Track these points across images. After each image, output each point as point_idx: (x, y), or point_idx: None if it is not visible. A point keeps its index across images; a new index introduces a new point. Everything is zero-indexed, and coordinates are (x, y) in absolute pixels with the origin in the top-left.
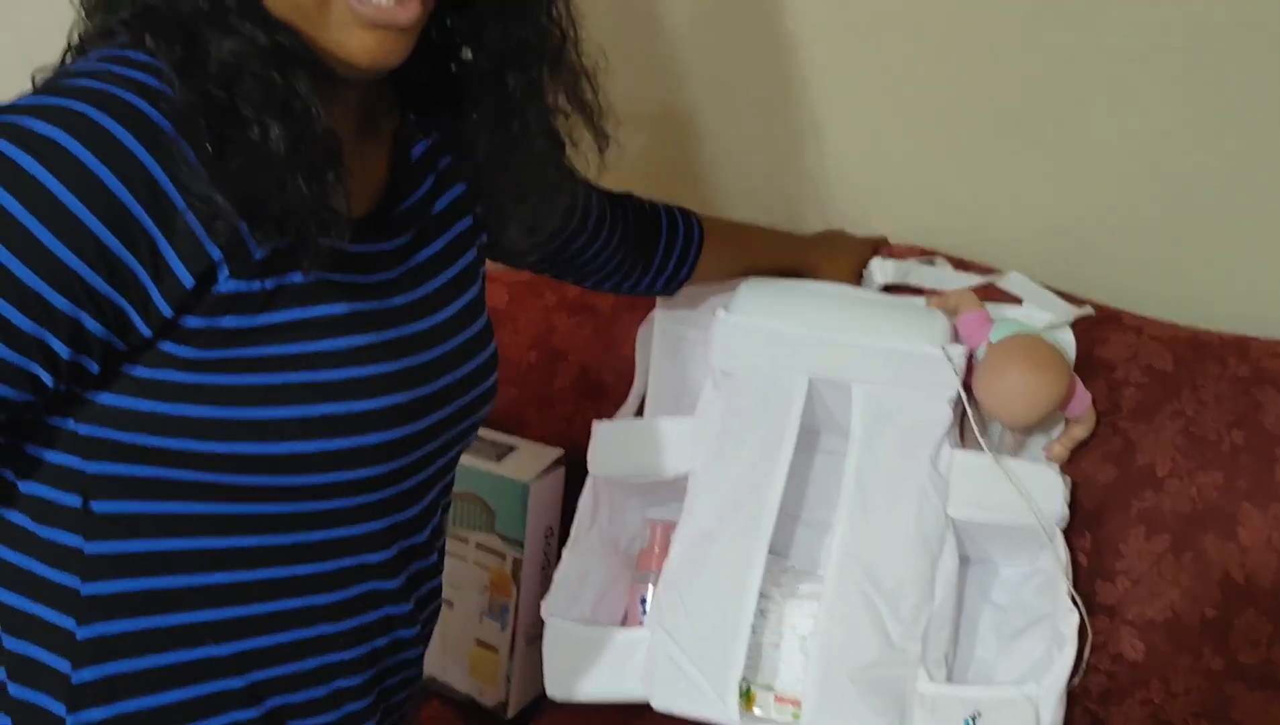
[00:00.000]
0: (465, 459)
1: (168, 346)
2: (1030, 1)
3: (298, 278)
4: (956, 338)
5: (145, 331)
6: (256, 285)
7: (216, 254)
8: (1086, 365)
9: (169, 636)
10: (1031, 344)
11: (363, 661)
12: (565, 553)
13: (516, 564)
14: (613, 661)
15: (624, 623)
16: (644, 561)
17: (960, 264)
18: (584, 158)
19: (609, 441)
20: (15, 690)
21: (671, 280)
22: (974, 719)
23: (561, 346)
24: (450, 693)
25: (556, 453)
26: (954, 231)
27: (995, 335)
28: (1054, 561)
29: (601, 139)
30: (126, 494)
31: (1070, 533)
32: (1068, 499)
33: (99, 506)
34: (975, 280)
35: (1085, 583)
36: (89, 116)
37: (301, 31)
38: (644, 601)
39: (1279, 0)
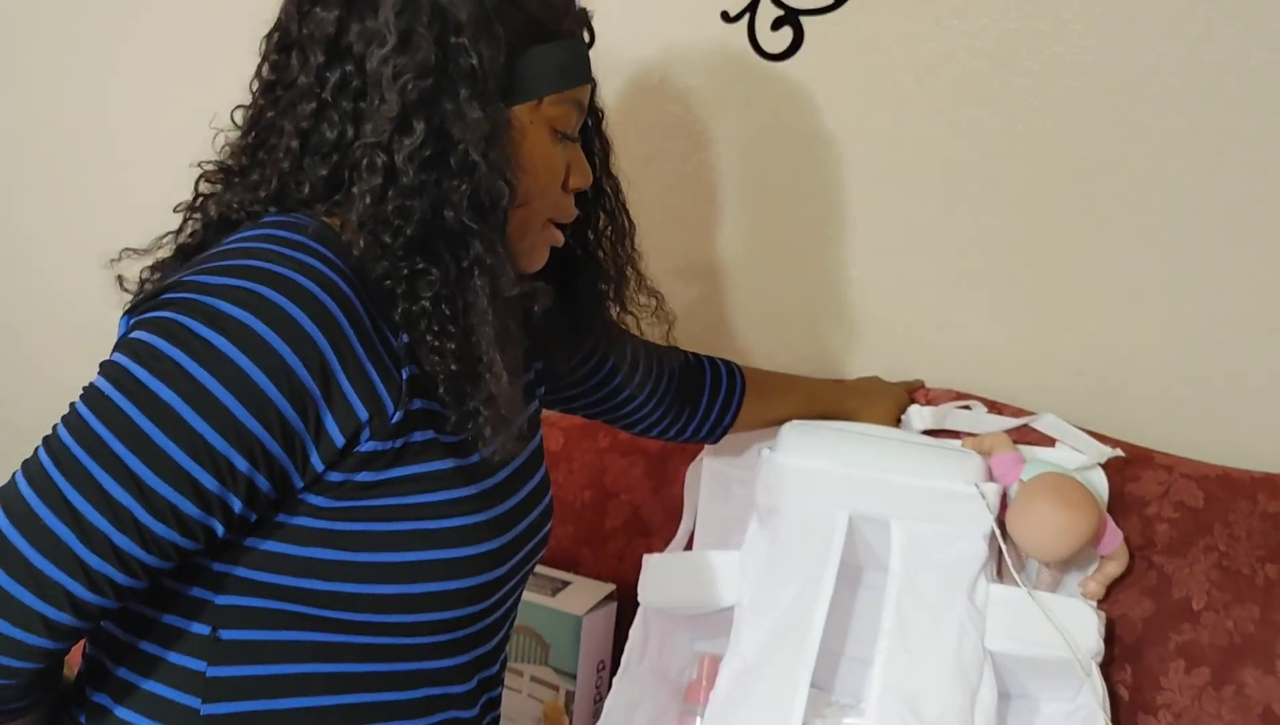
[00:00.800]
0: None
1: (309, 497)
2: (1054, 155)
3: (417, 437)
4: (991, 477)
5: (299, 484)
6: (389, 444)
7: (364, 416)
8: (1119, 502)
9: None
10: (1061, 482)
11: None
12: (615, 682)
13: (569, 696)
14: None
15: None
16: (692, 694)
17: (994, 407)
18: (633, 314)
19: (659, 573)
20: None
21: (715, 427)
22: None
23: (613, 487)
24: None
25: (609, 588)
26: (988, 375)
27: (1027, 474)
28: (1092, 697)
29: (652, 295)
30: (249, 624)
31: (1110, 667)
32: (1103, 634)
33: (225, 634)
34: (1009, 422)
35: (1127, 717)
36: (278, 305)
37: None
38: None
39: None
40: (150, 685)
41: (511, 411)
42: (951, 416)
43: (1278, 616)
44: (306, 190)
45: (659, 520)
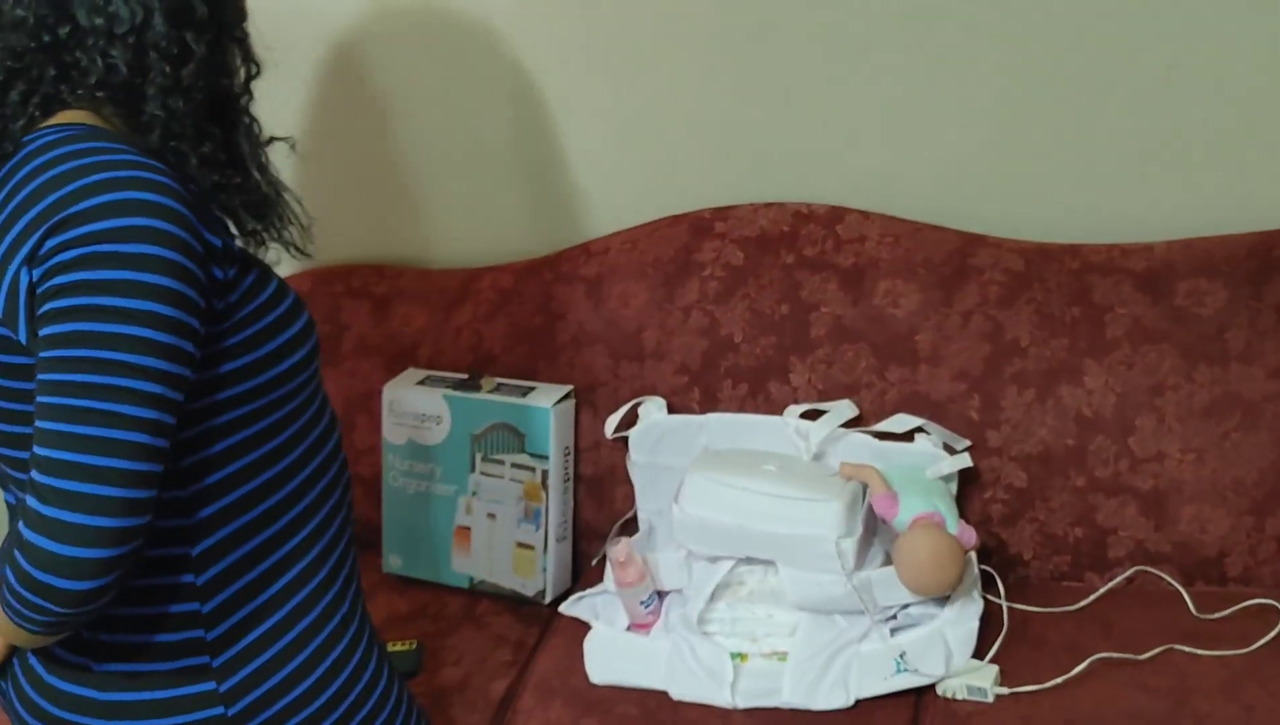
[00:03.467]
0: (496, 397)
1: (214, 328)
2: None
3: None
4: (870, 512)
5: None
6: (232, 270)
7: (222, 254)
8: (962, 274)
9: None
10: (935, 543)
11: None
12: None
13: (544, 475)
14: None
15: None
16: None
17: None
18: None
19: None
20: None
21: None
22: (902, 657)
23: (559, 310)
24: (498, 590)
25: (567, 388)
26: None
27: (902, 515)
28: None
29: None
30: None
31: (962, 397)
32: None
33: (188, 461)
34: (872, 441)
35: (978, 432)
36: (163, 204)
37: None
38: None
39: None
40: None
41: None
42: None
43: (1082, 345)
44: (99, 75)
45: (600, 329)
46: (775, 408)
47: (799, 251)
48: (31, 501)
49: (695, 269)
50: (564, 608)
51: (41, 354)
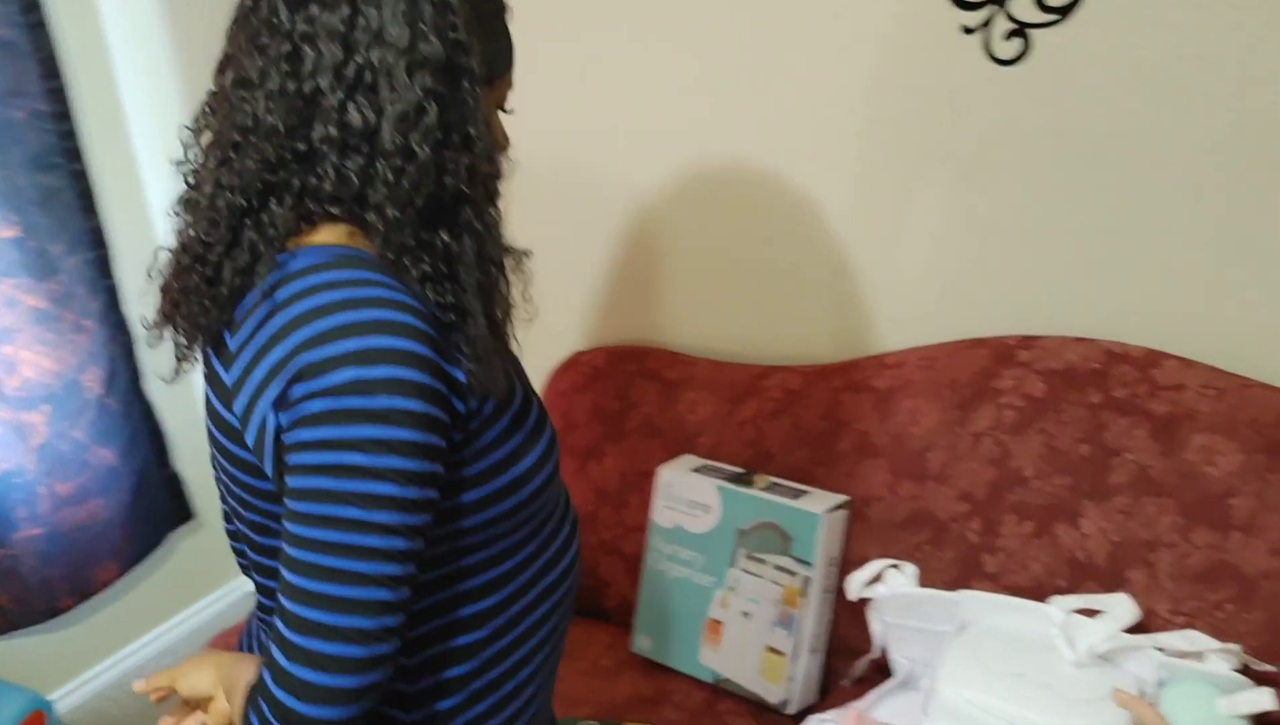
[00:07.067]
0: (768, 495)
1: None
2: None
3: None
4: None
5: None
6: (473, 401)
7: (463, 383)
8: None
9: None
10: None
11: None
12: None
13: (806, 582)
14: None
15: None
16: None
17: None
18: None
19: None
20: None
21: None
22: None
23: (845, 417)
24: (741, 690)
25: (843, 498)
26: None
27: None
28: None
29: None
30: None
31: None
32: None
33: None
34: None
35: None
36: (408, 350)
37: None
38: None
39: None
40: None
41: (488, 353)
42: (1122, 648)
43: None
44: (333, 186)
45: (884, 444)
46: (1061, 552)
47: (1107, 392)
48: (276, 653)
49: (992, 395)
50: None
51: (288, 503)
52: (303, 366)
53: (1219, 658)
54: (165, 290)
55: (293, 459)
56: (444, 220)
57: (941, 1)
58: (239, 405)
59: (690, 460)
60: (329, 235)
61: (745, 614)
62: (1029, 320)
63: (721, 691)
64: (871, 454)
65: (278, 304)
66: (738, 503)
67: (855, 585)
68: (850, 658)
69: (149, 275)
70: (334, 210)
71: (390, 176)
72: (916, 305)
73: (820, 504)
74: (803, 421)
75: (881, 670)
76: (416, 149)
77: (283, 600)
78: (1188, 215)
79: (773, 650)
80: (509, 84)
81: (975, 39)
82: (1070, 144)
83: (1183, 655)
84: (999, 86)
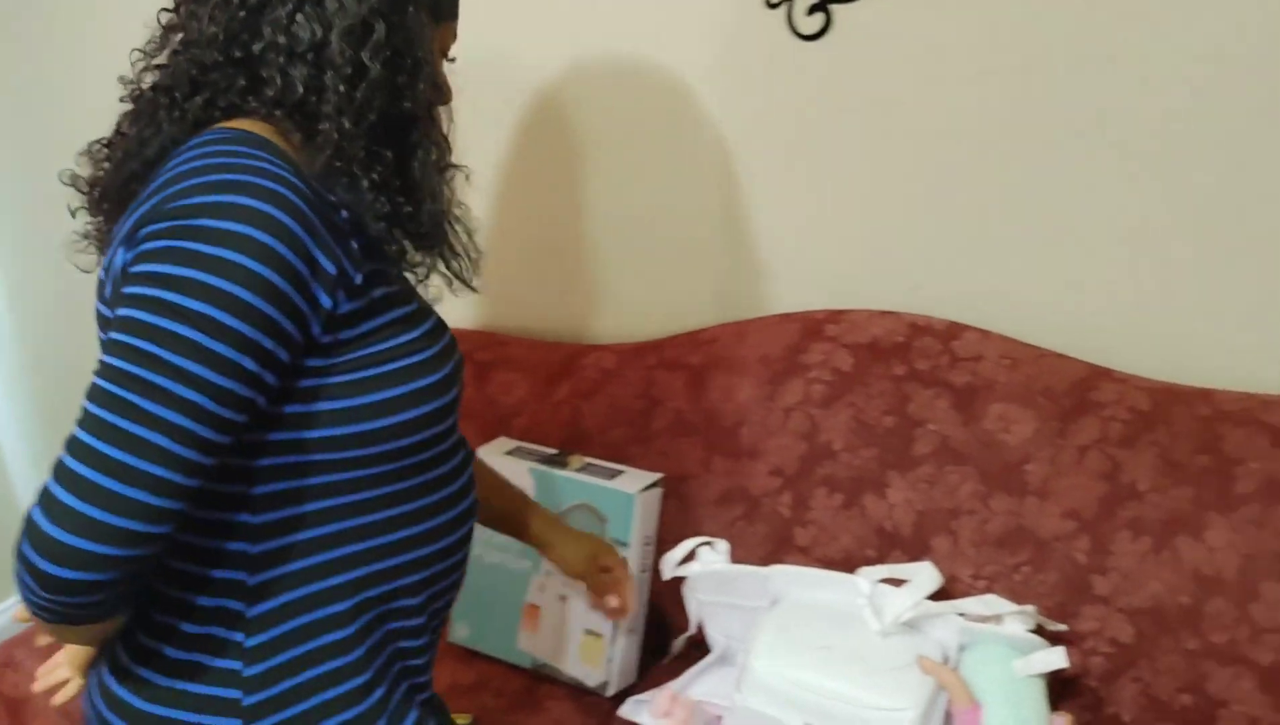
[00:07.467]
0: (582, 476)
1: (309, 361)
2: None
3: (376, 293)
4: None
5: (300, 352)
6: (358, 303)
7: (338, 280)
8: (1081, 406)
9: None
10: None
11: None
12: None
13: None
14: None
15: None
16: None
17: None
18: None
19: None
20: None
21: None
22: None
23: (659, 395)
24: (560, 675)
25: (657, 475)
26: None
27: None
28: None
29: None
30: (280, 477)
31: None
32: None
33: (260, 489)
34: (963, 606)
35: (1081, 577)
36: (258, 209)
37: None
38: None
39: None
40: (202, 539)
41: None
42: (919, 609)
43: (1207, 497)
44: (277, 91)
45: (698, 421)
46: (869, 523)
47: (911, 364)
48: (49, 481)
49: (801, 370)
50: (623, 710)
51: (108, 334)
52: (159, 208)
53: (1016, 620)
54: (92, 182)
55: (123, 291)
56: (395, 137)
57: None
58: (105, 264)
59: (504, 443)
60: (247, 125)
61: (562, 598)
62: (839, 294)
63: (541, 676)
64: (686, 432)
65: (164, 167)
66: (552, 485)
67: (669, 565)
68: (670, 637)
69: (76, 163)
70: (277, 113)
71: (341, 87)
72: (727, 281)
73: (634, 483)
74: (619, 400)
75: (700, 648)
76: (368, 64)
77: (75, 429)
78: (984, 190)
79: (591, 633)
80: (453, 34)
81: (779, 13)
82: (872, 119)
83: (983, 619)
84: (802, 61)
